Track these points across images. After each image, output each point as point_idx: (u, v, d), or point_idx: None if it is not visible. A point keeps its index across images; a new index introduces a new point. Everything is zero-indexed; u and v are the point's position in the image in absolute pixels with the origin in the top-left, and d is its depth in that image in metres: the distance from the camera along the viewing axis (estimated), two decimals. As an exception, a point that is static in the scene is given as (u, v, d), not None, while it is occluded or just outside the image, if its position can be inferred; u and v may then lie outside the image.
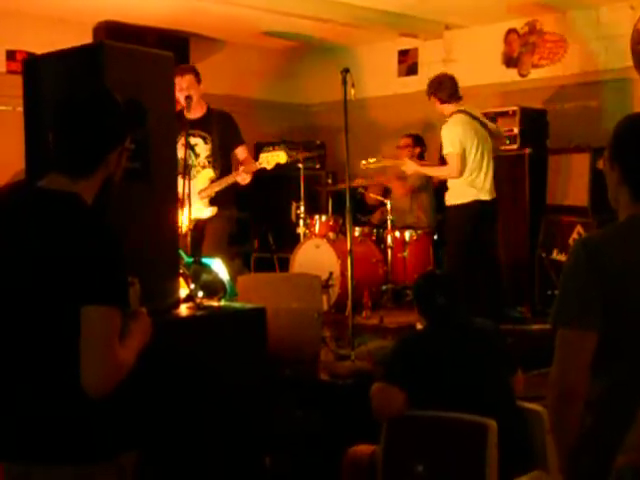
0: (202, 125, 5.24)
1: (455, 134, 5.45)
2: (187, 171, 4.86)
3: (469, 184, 5.47)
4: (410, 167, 5.87)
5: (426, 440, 2.83)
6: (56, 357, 1.85)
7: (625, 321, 1.94)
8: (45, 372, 1.87)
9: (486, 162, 5.55)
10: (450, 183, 5.54)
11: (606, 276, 1.93)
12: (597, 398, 1.95)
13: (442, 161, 5.62)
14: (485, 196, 5.52)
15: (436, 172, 5.55)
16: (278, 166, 7.80)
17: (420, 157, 6.89)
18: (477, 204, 5.50)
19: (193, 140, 5.20)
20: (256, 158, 5.39)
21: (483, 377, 2.95)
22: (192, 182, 4.96)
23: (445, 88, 5.53)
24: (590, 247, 1.99)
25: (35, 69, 3.22)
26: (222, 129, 5.26)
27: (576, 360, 1.95)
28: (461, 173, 5.43)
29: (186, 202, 4.59)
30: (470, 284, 5.23)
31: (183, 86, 5.10)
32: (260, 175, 7.36)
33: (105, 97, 2.00)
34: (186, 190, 4.66)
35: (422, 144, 6.97)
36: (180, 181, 4.77)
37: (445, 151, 5.47)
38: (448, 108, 5.54)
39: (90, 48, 3.16)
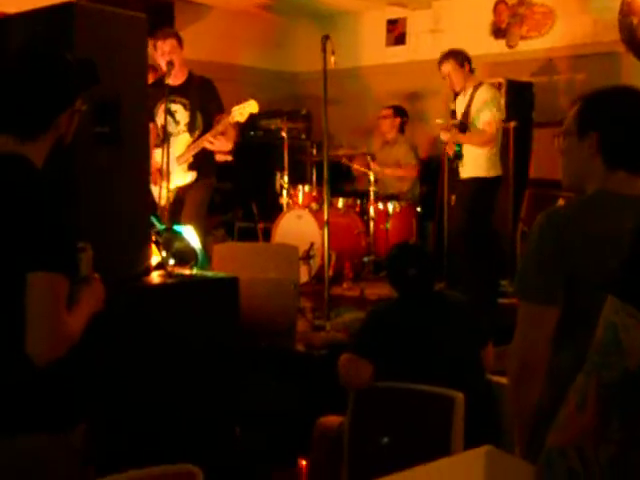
0: (182, 91, 5.09)
1: (499, 99, 5.34)
2: (166, 139, 4.76)
3: (498, 156, 5.38)
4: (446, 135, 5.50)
5: (392, 411, 2.81)
6: (3, 325, 1.81)
7: (587, 296, 1.91)
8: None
9: None
10: (484, 154, 5.31)
11: (569, 250, 1.90)
12: (558, 371, 1.93)
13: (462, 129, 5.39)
14: None
15: (474, 139, 5.28)
16: (262, 135, 7.79)
17: (401, 128, 6.81)
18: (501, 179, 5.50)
19: (173, 107, 5.04)
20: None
21: (451, 349, 2.93)
22: (170, 149, 4.87)
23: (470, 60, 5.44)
24: (554, 220, 1.96)
25: (5, 29, 3.15)
26: (202, 95, 5.11)
27: (537, 334, 1.93)
28: (495, 141, 5.30)
29: (165, 172, 4.51)
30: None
31: (165, 50, 4.96)
32: (245, 144, 7.34)
33: (53, 56, 1.94)
34: (165, 159, 4.57)
35: (403, 115, 6.87)
36: (159, 150, 4.71)
37: (487, 116, 5.22)
38: (472, 79, 5.41)
39: (60, 8, 3.07)
